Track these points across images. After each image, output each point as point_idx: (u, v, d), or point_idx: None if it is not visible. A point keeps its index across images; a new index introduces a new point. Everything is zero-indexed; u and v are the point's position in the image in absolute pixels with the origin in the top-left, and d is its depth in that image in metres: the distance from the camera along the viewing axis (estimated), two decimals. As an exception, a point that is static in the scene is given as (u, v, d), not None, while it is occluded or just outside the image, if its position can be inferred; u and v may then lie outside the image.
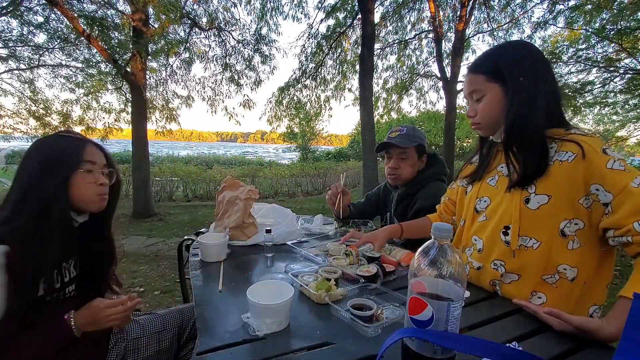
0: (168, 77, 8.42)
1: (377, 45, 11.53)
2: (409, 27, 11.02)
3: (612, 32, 7.83)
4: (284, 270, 1.00)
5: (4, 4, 7.74)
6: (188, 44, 8.07)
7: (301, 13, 9.59)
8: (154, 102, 8.13)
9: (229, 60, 9.04)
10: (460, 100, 12.05)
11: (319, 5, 9.58)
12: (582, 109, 10.45)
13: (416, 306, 0.53)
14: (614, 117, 11.71)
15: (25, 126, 9.32)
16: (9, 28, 8.46)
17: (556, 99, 0.87)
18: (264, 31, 9.20)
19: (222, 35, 8.57)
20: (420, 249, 0.56)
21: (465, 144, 18.85)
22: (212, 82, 9.09)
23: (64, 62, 8.81)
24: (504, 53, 0.89)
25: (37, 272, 0.79)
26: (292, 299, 0.69)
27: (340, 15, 9.70)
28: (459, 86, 9.77)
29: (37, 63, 9.02)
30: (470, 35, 10.32)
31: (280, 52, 9.92)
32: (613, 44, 8.37)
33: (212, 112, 9.39)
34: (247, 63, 9.42)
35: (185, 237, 1.30)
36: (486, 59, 0.91)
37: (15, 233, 0.76)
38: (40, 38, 8.64)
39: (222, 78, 9.18)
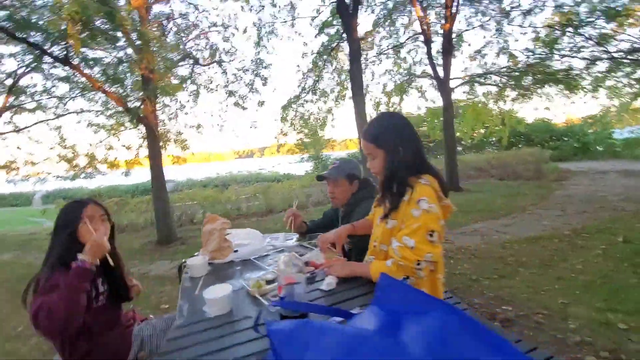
0: (178, 110, 9.17)
1: (372, 52, 12.01)
2: (402, 30, 11.41)
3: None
4: (244, 277, 1.45)
5: (27, 62, 8.72)
6: (193, 78, 8.81)
7: (295, 33, 10.17)
8: (168, 135, 8.88)
9: (232, 86, 9.70)
10: (458, 95, 12.23)
11: (311, 23, 10.12)
12: (593, 85, 10.43)
13: (280, 289, 0.98)
14: (628, 90, 11.50)
15: (57, 169, 10.31)
16: (33, 83, 9.48)
17: (418, 153, 1.25)
18: (262, 55, 9.84)
19: (222, 66, 9.25)
20: (283, 260, 1.01)
21: (475, 135, 18.81)
22: (219, 110, 9.78)
23: (85, 108, 9.77)
24: (381, 127, 1.29)
25: None
26: (229, 295, 1.14)
27: (332, 31, 10.22)
28: (452, 83, 10.04)
29: (62, 112, 10.00)
30: (461, 32, 10.59)
31: (279, 72, 10.51)
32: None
33: (220, 136, 10.05)
34: (250, 87, 10.03)
35: (183, 260, 1.78)
36: (371, 131, 1.30)
37: (52, 267, 1.28)
38: (63, 88, 9.53)
39: (227, 104, 9.84)
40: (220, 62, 8.93)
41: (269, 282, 1.34)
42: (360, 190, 1.89)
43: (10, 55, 8.68)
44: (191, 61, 8.03)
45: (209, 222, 1.75)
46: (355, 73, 7.25)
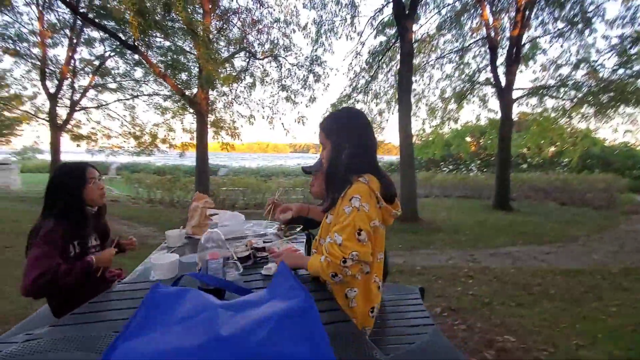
0: (234, 100, 9.74)
1: (434, 55, 11.59)
2: (468, 33, 10.84)
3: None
4: (207, 253, 1.56)
5: (114, 47, 9.88)
6: (250, 70, 9.28)
7: (353, 32, 10.14)
8: (221, 123, 9.51)
9: (285, 81, 10.00)
10: (525, 108, 11.26)
11: (372, 23, 10.01)
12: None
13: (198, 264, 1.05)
14: None
15: (127, 144, 11.61)
16: (117, 66, 10.70)
17: (366, 152, 1.22)
18: (318, 52, 9.93)
19: (278, 60, 9.59)
20: (205, 237, 1.08)
21: (543, 153, 17.19)
22: (270, 103, 10.15)
23: (156, 92, 10.83)
24: (335, 119, 1.30)
25: (72, 238, 1.49)
26: (173, 262, 1.25)
27: (391, 32, 10.02)
28: (517, 94, 9.29)
29: (137, 93, 11.20)
30: (532, 38, 9.75)
31: (333, 70, 10.60)
32: None
33: (271, 128, 10.46)
34: (303, 83, 10.23)
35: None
36: (325, 121, 1.30)
37: (54, 219, 1.47)
38: (140, 72, 10.60)
39: (278, 98, 10.18)
40: (276, 57, 9.27)
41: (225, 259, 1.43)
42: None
43: (100, 40, 9.95)
44: (247, 54, 8.44)
45: (195, 200, 1.89)
46: (404, 75, 7.06)
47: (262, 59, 8.90)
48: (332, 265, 1.10)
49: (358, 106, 11.27)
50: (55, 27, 9.64)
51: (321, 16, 9.65)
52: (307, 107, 10.64)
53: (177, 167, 21.02)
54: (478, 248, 5.18)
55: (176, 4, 3.92)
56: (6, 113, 12.65)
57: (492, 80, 9.61)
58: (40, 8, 8.92)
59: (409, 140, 7.10)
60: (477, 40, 10.44)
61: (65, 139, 11.43)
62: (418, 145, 14.10)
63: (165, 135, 10.11)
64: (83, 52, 11.01)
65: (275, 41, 9.32)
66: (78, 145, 12.00)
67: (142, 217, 7.34)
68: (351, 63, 10.22)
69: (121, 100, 11.51)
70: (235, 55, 8.29)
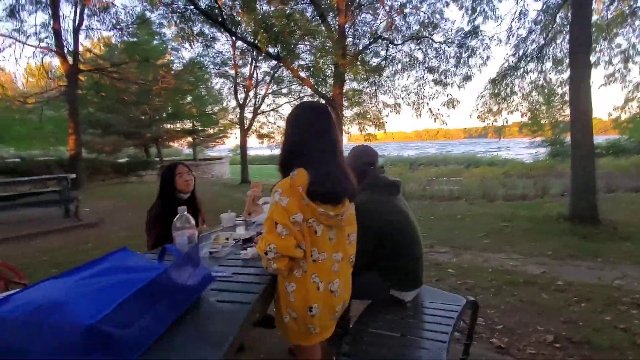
0: (377, 90, 9.82)
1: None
2: None
3: None
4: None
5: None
6: (390, 59, 9.08)
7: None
8: (367, 114, 9.84)
9: (432, 62, 9.27)
10: None
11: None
12: None
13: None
14: None
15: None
16: (288, 74, 12.59)
17: (307, 145, 1.19)
18: (477, 21, 8.68)
19: (423, 41, 8.97)
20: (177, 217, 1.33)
21: None
22: (415, 88, 9.64)
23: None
24: (292, 111, 1.29)
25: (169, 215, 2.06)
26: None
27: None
28: None
29: (302, 95, 12.93)
30: None
31: (494, 41, 9.11)
32: None
33: (417, 115, 9.98)
34: (456, 61, 9.24)
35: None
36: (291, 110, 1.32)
37: (160, 202, 2.06)
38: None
39: (425, 82, 9.55)
40: (419, 39, 8.73)
41: (237, 240, 1.69)
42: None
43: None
44: (385, 42, 8.34)
45: (251, 188, 2.22)
46: (577, 29, 5.35)
47: (405, 42, 8.53)
48: (262, 258, 1.16)
49: (530, 77, 9.27)
50: (243, 51, 12.35)
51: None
52: (459, 87, 9.56)
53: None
54: (599, 258, 3.55)
55: (305, 27, 4.38)
56: (221, 121, 17.20)
57: None
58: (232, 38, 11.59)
59: (585, 115, 5.34)
60: None
61: (253, 138, 14.62)
62: (624, 123, 10.39)
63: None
64: (263, 66, 13.66)
65: (424, 20, 8.70)
66: (261, 143, 15.09)
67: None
68: (511, 27, 8.49)
69: (290, 102, 13.65)
70: (374, 45, 8.28)
